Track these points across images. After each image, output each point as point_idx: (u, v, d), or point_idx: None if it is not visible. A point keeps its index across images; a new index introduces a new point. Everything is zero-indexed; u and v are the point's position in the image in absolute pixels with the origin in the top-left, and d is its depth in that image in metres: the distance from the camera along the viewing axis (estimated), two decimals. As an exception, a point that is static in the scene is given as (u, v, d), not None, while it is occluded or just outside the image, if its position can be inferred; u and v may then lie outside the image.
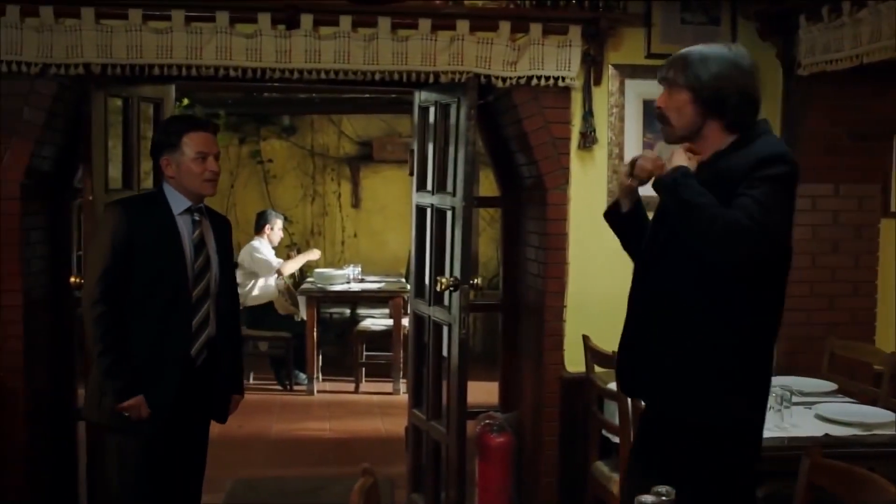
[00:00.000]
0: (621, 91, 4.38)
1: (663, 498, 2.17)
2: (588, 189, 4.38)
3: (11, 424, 4.08)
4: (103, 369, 3.20)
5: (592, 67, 4.34)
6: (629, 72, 4.40)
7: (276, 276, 7.58)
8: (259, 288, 7.54)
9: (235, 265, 7.55)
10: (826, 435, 3.33)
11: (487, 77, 4.19)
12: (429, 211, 4.55)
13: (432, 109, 4.51)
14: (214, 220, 3.48)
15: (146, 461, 3.28)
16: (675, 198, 2.46)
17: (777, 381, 3.85)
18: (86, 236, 4.14)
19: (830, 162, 4.46)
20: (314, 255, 8.00)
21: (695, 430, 2.50)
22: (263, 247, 7.62)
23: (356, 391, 7.50)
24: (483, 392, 5.44)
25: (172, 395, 3.24)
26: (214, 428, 6.06)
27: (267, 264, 7.52)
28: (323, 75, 4.14)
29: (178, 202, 3.32)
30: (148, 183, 4.48)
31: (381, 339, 7.80)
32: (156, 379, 3.22)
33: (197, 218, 3.35)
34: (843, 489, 2.37)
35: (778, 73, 4.48)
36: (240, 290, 7.41)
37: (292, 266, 7.89)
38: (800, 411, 3.56)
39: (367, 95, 8.07)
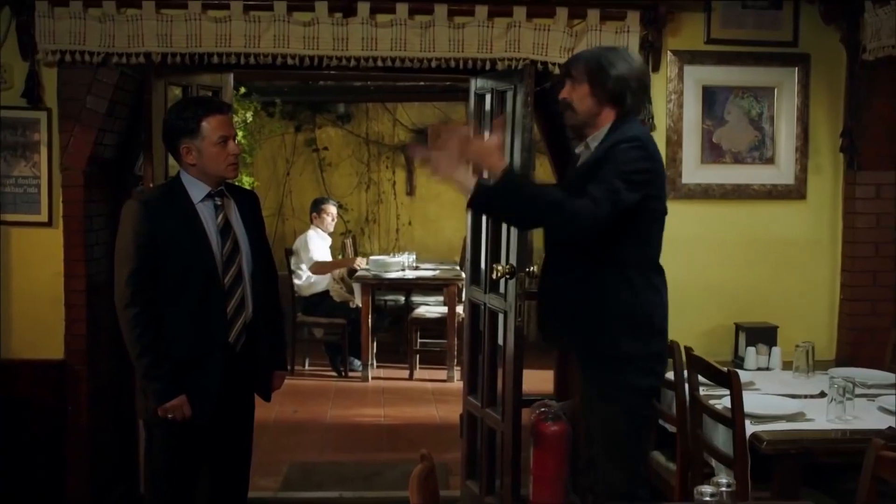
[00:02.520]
0: (680, 77, 4.32)
1: (723, 489, 2.15)
2: (645, 176, 4.33)
3: (75, 406, 4.17)
4: (142, 372, 3.18)
5: (651, 54, 4.27)
6: (688, 58, 4.33)
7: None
8: (315, 276, 7.60)
9: (290, 251, 7.63)
10: (889, 427, 3.25)
11: (544, 64, 4.17)
12: (484, 198, 4.53)
13: (488, 97, 4.50)
14: (239, 197, 3.39)
15: (193, 453, 3.28)
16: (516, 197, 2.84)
17: (839, 372, 3.82)
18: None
19: (895, 149, 4.36)
20: (357, 262, 7.90)
21: (594, 360, 3.05)
22: (314, 237, 7.65)
23: (410, 378, 7.53)
24: (538, 380, 5.43)
25: (216, 388, 3.22)
26: (270, 413, 6.13)
27: (307, 255, 7.56)
28: (380, 63, 4.14)
29: (197, 190, 3.23)
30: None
31: (435, 327, 7.82)
32: (197, 373, 3.19)
33: (219, 202, 3.26)
34: (909, 483, 2.32)
35: (842, 57, 4.38)
36: (296, 281, 7.52)
37: (325, 269, 7.71)
38: (862, 403, 3.48)
39: (422, 83, 8.08)
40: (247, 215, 3.37)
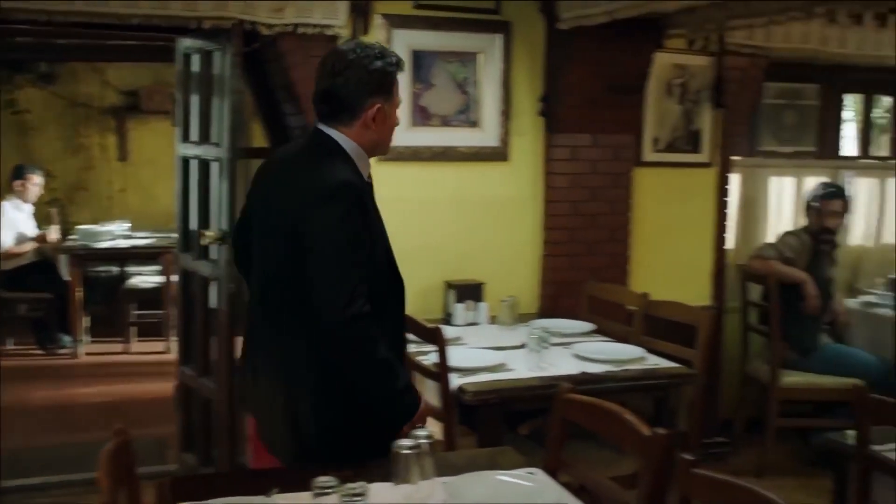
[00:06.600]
0: (389, 41, 4.36)
1: (422, 441, 2.21)
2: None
3: None
4: (397, 390, 2.48)
5: (360, 17, 4.29)
6: (398, 22, 4.38)
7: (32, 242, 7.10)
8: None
9: None
10: (583, 373, 3.51)
11: (253, 24, 4.06)
12: (194, 162, 4.39)
13: (195, 57, 4.34)
14: None
15: None
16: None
17: (539, 323, 4.06)
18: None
19: (590, 113, 4.63)
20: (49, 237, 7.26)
21: None
22: (8, 210, 7.05)
23: (126, 352, 7.21)
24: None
25: None
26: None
27: (17, 234, 7.02)
28: (77, 18, 3.86)
29: (365, 168, 2.53)
30: None
31: (153, 297, 7.50)
32: None
33: (370, 181, 2.60)
34: (593, 422, 2.49)
35: (540, 26, 4.59)
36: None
37: (55, 232, 7.28)
38: (559, 351, 3.73)
39: (132, 42, 7.64)
40: None
